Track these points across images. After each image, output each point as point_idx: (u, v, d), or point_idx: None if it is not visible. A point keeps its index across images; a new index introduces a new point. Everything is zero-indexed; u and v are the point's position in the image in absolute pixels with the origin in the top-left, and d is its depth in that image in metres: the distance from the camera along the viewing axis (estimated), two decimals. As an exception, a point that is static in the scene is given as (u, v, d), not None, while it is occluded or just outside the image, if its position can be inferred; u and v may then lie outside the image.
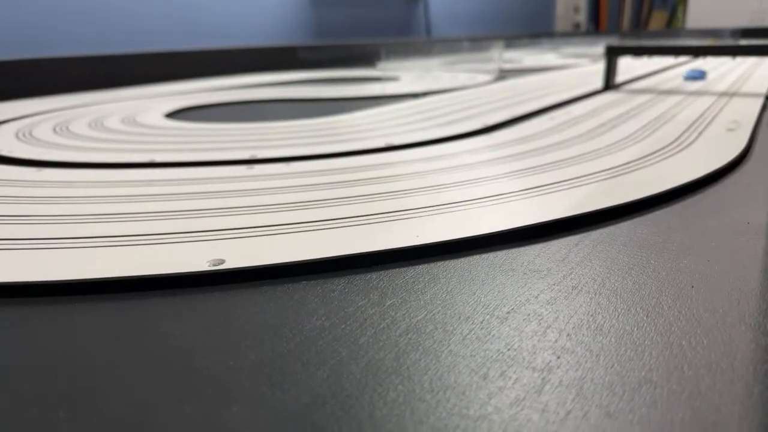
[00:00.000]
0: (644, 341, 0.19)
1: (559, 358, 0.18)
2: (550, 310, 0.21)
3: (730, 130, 0.52)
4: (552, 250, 0.27)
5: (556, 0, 3.75)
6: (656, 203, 0.33)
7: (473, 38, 1.91)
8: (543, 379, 0.17)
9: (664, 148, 0.45)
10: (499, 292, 0.23)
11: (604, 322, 0.20)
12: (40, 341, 0.20)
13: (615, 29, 3.95)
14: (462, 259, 0.26)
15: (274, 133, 0.59)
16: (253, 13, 1.81)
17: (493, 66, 1.31)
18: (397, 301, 0.22)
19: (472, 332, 0.20)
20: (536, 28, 3.43)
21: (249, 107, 0.87)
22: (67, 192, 0.38)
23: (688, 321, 0.20)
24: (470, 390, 0.17)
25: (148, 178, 0.41)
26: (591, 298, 0.22)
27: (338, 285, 0.24)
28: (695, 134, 0.50)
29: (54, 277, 0.24)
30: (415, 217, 0.30)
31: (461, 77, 1.17)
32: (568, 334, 0.19)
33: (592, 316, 0.21)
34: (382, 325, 0.20)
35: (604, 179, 0.37)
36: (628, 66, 1.25)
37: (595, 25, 3.98)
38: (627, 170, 0.39)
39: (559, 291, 0.23)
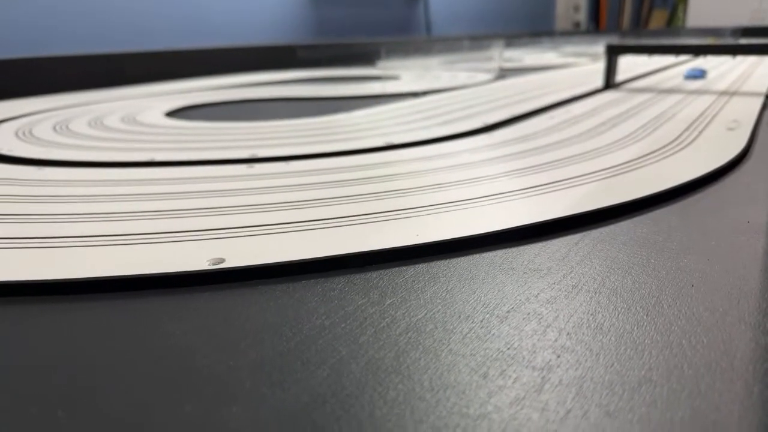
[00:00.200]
0: (644, 340, 0.19)
1: (559, 357, 0.18)
2: (550, 309, 0.21)
3: (730, 129, 0.52)
4: (552, 249, 0.27)
5: (556, -1, 3.76)
6: (656, 202, 0.33)
7: (473, 37, 1.91)
8: (543, 378, 0.17)
9: (664, 147, 0.45)
10: (499, 291, 0.23)
11: (604, 321, 0.20)
12: (39, 340, 0.20)
13: (615, 28, 3.95)
14: (462, 258, 0.26)
15: (274, 132, 0.59)
16: (253, 12, 1.81)
17: (494, 65, 1.31)
18: (397, 300, 0.22)
19: (472, 331, 0.20)
20: (536, 26, 3.43)
21: (249, 106, 0.87)
22: (67, 191, 0.38)
23: (688, 320, 0.20)
24: (470, 389, 0.17)
25: (148, 177, 0.41)
26: (591, 297, 0.22)
27: (338, 284, 0.24)
28: (695, 133, 0.50)
29: (52, 276, 0.24)
30: (414, 216, 0.30)
31: (461, 76, 1.17)
32: (567, 333, 0.19)
33: (592, 315, 0.21)
34: (382, 324, 0.21)
35: (604, 178, 0.37)
36: (628, 65, 1.25)
37: (596, 23, 3.98)
38: (627, 169, 0.39)
39: (559, 290, 0.23)
